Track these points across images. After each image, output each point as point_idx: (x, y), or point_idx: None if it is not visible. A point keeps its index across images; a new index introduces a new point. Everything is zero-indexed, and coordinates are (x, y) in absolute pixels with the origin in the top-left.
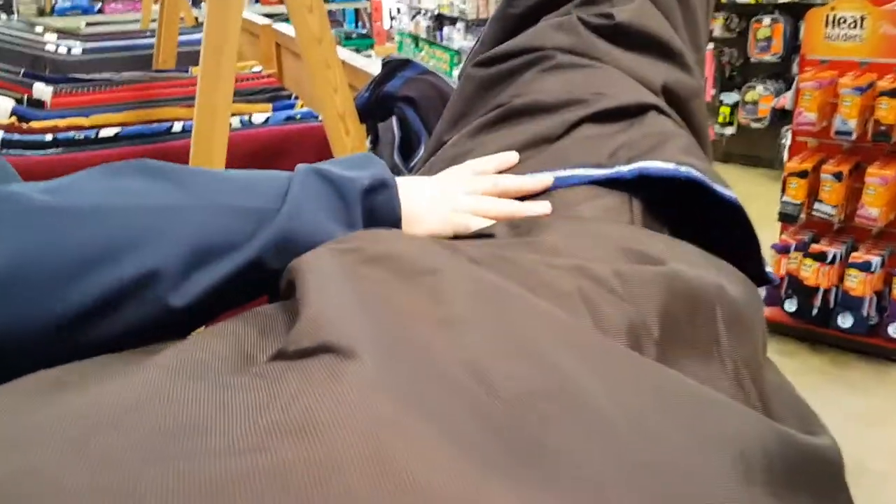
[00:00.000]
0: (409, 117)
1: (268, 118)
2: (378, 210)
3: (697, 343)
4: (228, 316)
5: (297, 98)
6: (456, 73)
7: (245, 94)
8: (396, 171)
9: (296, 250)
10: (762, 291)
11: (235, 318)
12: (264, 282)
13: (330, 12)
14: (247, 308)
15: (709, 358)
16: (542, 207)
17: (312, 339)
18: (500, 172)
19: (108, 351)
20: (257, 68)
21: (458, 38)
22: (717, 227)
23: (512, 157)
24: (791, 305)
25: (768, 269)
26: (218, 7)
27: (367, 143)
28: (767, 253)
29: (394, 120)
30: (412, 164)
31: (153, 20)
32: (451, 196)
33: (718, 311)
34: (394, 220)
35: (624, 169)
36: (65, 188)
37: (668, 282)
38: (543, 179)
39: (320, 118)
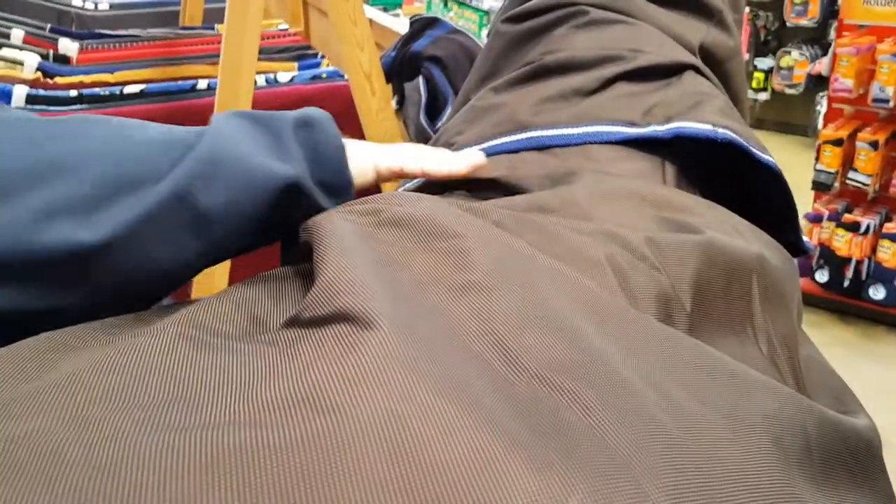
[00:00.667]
0: (435, 77)
1: (293, 77)
2: (320, 144)
3: (731, 316)
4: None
5: (323, 57)
6: (485, 33)
7: (270, 52)
8: (423, 132)
9: (227, 181)
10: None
11: (246, 281)
12: (205, 224)
13: None
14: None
15: (742, 332)
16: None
17: (329, 306)
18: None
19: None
20: (283, 26)
21: None
22: (751, 196)
23: (478, 156)
24: (822, 276)
25: (804, 238)
26: None
27: (394, 103)
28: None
29: (420, 80)
30: (438, 124)
31: None
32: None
33: (755, 282)
34: (338, 150)
35: (660, 129)
36: None
37: (704, 251)
38: (473, 156)
39: (346, 77)
